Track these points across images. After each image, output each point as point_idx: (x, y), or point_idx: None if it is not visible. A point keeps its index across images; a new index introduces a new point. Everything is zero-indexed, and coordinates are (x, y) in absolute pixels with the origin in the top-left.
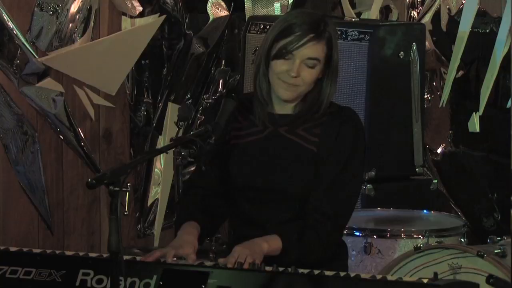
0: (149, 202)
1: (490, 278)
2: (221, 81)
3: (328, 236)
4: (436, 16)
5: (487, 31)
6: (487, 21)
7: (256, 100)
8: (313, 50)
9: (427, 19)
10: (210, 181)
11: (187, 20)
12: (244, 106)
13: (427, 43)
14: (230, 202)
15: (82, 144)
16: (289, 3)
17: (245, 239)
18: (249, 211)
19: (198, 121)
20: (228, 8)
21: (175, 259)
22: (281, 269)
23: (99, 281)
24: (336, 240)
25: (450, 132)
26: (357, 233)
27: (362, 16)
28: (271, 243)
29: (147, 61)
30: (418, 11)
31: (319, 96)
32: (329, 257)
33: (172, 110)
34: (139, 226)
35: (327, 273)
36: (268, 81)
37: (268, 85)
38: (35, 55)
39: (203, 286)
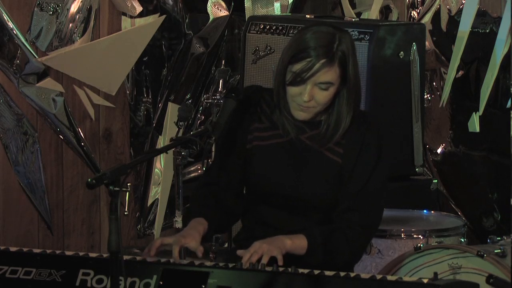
0: (149, 202)
1: (490, 278)
2: (221, 81)
3: (357, 241)
4: (436, 16)
5: (487, 31)
6: (487, 21)
7: (278, 109)
8: (325, 75)
9: (427, 19)
10: (227, 178)
11: (187, 20)
12: (268, 104)
13: (427, 43)
14: (247, 201)
15: (82, 144)
16: (289, 3)
17: (258, 239)
18: (265, 214)
19: (198, 121)
20: (228, 8)
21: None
22: (281, 269)
23: (99, 281)
24: (364, 247)
25: (450, 132)
26: None
27: (362, 16)
28: (295, 241)
29: (147, 61)
30: (418, 11)
31: (338, 112)
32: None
33: (172, 110)
34: (139, 226)
35: (327, 273)
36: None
37: (288, 104)
38: (35, 55)
39: (203, 286)
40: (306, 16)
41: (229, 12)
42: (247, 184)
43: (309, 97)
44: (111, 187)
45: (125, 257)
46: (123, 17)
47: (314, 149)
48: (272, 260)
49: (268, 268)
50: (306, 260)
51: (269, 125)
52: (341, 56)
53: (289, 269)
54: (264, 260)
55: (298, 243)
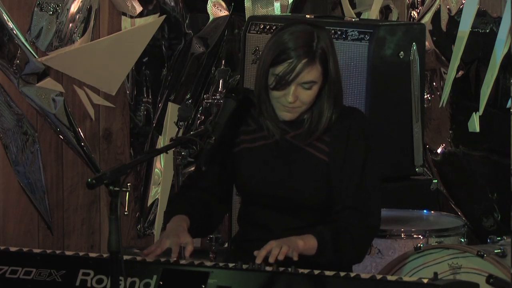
0: (149, 202)
1: (490, 278)
2: (221, 81)
3: (361, 239)
4: (436, 16)
5: (487, 31)
6: (487, 21)
7: (262, 111)
8: (308, 75)
9: (427, 19)
10: (209, 183)
11: (187, 20)
12: (254, 107)
13: (427, 43)
14: (241, 203)
15: (82, 144)
16: (289, 3)
17: (253, 241)
18: (258, 215)
19: (198, 121)
20: (228, 8)
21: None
22: (281, 269)
23: (99, 281)
24: (368, 245)
25: (450, 132)
26: None
27: (362, 16)
28: (307, 241)
29: (147, 61)
30: (418, 11)
31: (319, 108)
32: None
33: (172, 110)
34: (139, 226)
35: (327, 273)
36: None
37: (271, 105)
38: (35, 55)
39: (203, 286)
40: (306, 16)
41: (229, 12)
42: (238, 186)
43: (293, 98)
44: (111, 187)
45: (125, 257)
46: (123, 17)
47: (300, 148)
48: (287, 262)
49: (268, 268)
50: (315, 260)
51: (255, 127)
52: (322, 53)
53: (289, 269)
54: (281, 257)
55: (309, 243)
